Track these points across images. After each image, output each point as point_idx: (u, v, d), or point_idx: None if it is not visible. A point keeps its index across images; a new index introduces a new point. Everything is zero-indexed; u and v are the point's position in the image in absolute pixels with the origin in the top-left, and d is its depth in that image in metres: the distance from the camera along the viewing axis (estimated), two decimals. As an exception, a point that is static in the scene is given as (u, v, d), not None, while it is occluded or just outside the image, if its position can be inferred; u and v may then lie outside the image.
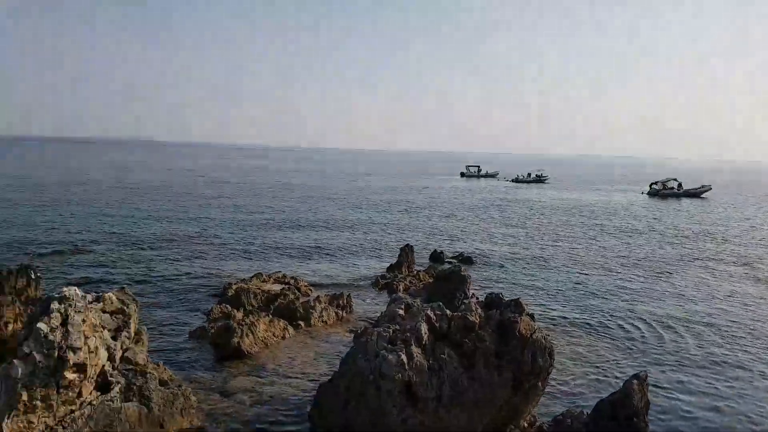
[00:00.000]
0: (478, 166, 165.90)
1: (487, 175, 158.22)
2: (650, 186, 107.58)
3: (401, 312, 15.80)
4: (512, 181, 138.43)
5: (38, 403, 10.99)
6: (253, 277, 29.15)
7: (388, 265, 34.54)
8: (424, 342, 13.96)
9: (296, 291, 26.59)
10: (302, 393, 16.66)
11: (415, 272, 32.68)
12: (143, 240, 40.33)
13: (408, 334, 14.06)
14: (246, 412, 15.40)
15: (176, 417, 13.01)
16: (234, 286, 26.70)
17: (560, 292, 30.51)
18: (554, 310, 27.03)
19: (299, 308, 23.52)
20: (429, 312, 14.65)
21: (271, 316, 22.19)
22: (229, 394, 16.38)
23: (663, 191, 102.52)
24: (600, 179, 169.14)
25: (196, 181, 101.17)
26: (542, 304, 27.67)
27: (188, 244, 39.70)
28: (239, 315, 22.46)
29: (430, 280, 29.89)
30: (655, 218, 67.18)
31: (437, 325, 14.46)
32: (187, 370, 17.87)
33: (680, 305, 28.31)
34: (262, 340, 20.38)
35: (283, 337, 21.32)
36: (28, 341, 11.17)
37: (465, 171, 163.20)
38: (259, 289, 26.19)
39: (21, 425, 10.75)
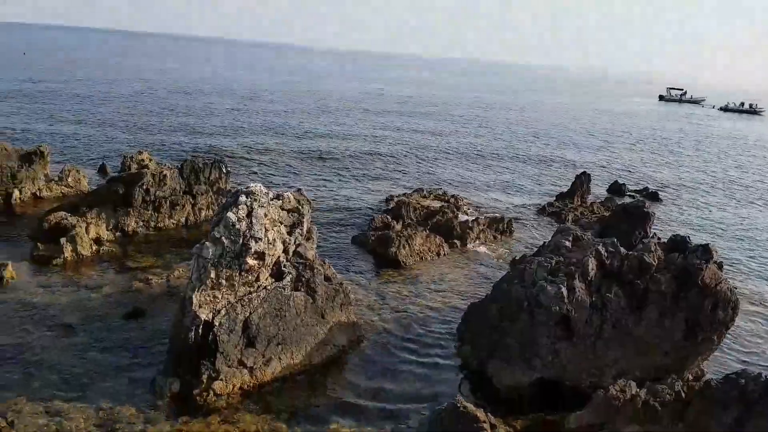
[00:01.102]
0: (683, 90, 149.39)
1: (691, 101, 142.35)
2: None
3: (568, 244, 15.72)
4: (720, 109, 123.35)
5: (223, 281, 13.13)
6: (414, 191, 30.40)
7: (557, 194, 33.69)
8: (590, 277, 13.90)
9: (455, 209, 27.33)
10: (451, 308, 17.80)
11: (588, 203, 31.55)
12: (320, 149, 43.09)
13: (573, 268, 14.07)
14: (397, 317, 16.97)
15: (336, 310, 14.77)
16: (396, 199, 28.26)
17: (758, 245, 27.72)
18: (746, 263, 24.88)
19: (456, 227, 24.33)
20: (600, 247, 14.42)
21: (428, 231, 23.31)
22: (384, 299, 18.11)
23: None
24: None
25: (376, 96, 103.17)
26: (733, 255, 25.55)
27: (357, 157, 41.94)
28: (398, 227, 23.94)
29: (606, 214, 28.74)
30: None
31: (607, 261, 14.23)
32: (348, 271, 19.92)
33: None
34: (418, 254, 21.72)
35: (438, 254, 22.44)
36: (219, 227, 13.20)
37: (665, 94, 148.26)
38: (419, 204, 27.40)
39: (207, 298, 12.99)
